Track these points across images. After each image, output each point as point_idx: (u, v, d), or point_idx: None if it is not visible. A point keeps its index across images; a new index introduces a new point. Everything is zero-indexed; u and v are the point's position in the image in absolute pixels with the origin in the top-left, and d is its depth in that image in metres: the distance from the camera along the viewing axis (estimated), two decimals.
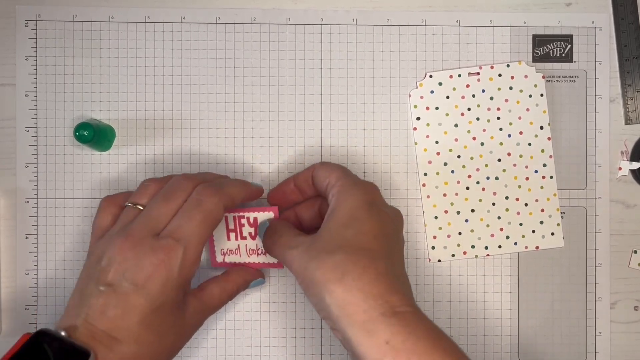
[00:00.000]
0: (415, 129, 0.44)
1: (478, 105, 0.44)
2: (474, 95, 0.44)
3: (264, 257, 0.41)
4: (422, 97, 0.44)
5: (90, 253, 0.37)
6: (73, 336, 0.33)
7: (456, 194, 0.44)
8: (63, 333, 0.33)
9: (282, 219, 0.41)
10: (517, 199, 0.44)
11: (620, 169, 0.45)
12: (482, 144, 0.44)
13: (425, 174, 0.44)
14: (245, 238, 0.41)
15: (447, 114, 0.44)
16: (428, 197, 0.44)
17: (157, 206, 0.37)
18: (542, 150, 0.45)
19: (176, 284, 0.35)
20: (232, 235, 0.41)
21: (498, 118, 0.44)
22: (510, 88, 0.44)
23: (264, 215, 0.40)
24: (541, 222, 0.45)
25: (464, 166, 0.44)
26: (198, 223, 0.36)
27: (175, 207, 0.37)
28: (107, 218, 0.38)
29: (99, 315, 0.34)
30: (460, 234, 0.44)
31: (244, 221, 0.41)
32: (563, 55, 0.45)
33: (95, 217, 0.39)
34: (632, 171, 0.45)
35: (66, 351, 0.33)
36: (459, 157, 0.44)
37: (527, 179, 0.44)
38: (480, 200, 0.44)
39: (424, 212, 0.44)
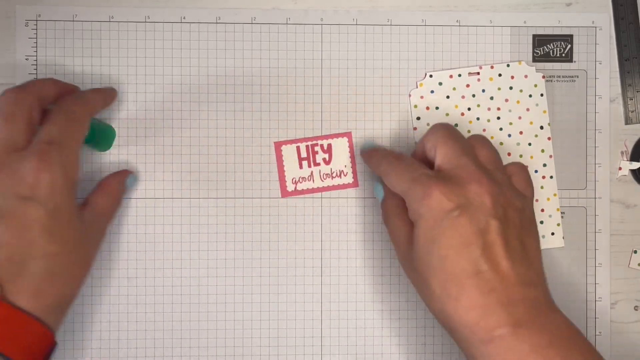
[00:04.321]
0: (415, 129, 0.44)
1: (478, 105, 0.44)
2: (474, 95, 0.44)
3: (338, 179, 0.43)
4: (422, 97, 0.44)
5: None
6: None
7: None
8: None
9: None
10: None
11: (620, 169, 0.45)
12: None
13: None
14: (319, 164, 0.43)
15: (447, 114, 0.44)
16: None
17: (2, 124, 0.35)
18: (542, 150, 0.45)
19: (64, 185, 0.34)
20: (305, 163, 0.43)
21: (498, 118, 0.44)
22: (511, 88, 0.44)
23: (338, 141, 0.43)
24: (541, 222, 0.45)
25: None
26: (66, 124, 0.36)
27: (24, 116, 0.36)
28: None
29: None
30: None
31: (317, 148, 0.43)
32: (563, 55, 0.45)
33: None
34: (632, 171, 0.45)
35: None
36: None
37: None
38: None
39: None
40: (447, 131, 0.39)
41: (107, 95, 0.42)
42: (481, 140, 0.39)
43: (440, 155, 0.38)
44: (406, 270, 0.39)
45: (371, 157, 0.42)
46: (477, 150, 0.38)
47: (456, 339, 0.36)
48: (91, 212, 0.39)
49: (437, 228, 0.35)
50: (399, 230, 0.39)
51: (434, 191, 0.35)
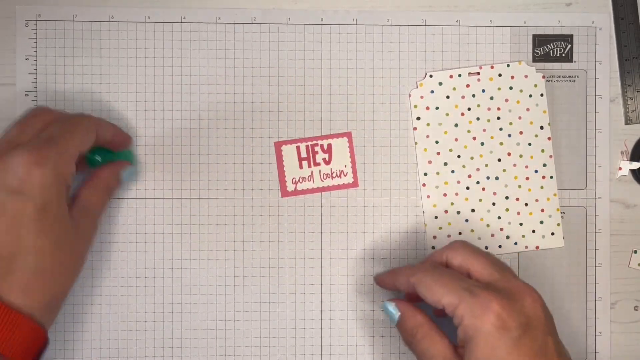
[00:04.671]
0: (415, 129, 0.44)
1: (478, 105, 0.44)
2: (474, 95, 0.44)
3: (338, 179, 0.43)
4: (422, 97, 0.44)
5: None
6: None
7: (456, 194, 0.44)
8: None
9: (419, 314, 0.38)
10: (517, 199, 0.44)
11: (620, 169, 0.45)
12: (482, 143, 0.44)
13: (425, 174, 0.44)
14: (319, 164, 0.43)
15: (447, 114, 0.44)
16: (428, 197, 0.44)
17: (15, 127, 0.36)
18: (542, 150, 0.45)
19: (54, 182, 0.34)
20: (305, 163, 0.43)
21: (498, 118, 0.44)
22: (511, 88, 0.44)
23: (338, 141, 0.43)
24: (541, 222, 0.45)
25: (464, 166, 0.44)
26: (69, 128, 0.36)
27: (37, 124, 0.36)
28: None
29: None
30: (460, 234, 0.44)
31: (317, 148, 0.43)
32: (563, 55, 0.45)
33: None
34: (632, 171, 0.45)
35: None
36: (459, 157, 0.44)
37: (527, 179, 0.44)
38: (480, 200, 0.44)
39: (424, 212, 0.44)
40: (472, 246, 0.38)
41: (120, 134, 0.41)
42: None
43: (478, 268, 0.37)
44: None
45: (396, 272, 0.40)
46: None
47: None
48: (81, 208, 0.38)
49: (498, 348, 0.33)
50: (435, 351, 0.36)
51: (494, 305, 0.34)
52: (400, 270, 0.39)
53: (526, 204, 0.44)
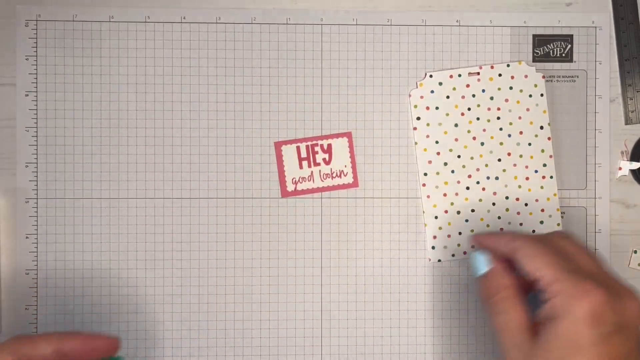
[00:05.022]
0: (415, 129, 0.44)
1: (478, 105, 0.44)
2: (474, 95, 0.44)
3: (338, 179, 0.43)
4: (422, 97, 0.44)
5: None
6: None
7: (456, 194, 0.44)
8: None
9: (507, 277, 0.37)
10: (517, 199, 0.44)
11: (620, 169, 0.45)
12: (482, 144, 0.44)
13: (425, 174, 0.44)
14: (319, 164, 0.43)
15: (447, 114, 0.44)
16: (428, 197, 0.44)
17: None
18: (542, 150, 0.45)
19: None
20: (305, 163, 0.43)
21: (498, 118, 0.44)
22: (511, 88, 0.44)
23: (338, 141, 0.42)
24: (541, 222, 0.45)
25: (464, 166, 0.44)
26: (21, 339, 0.35)
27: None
28: None
29: None
30: (460, 234, 0.44)
31: (317, 148, 0.43)
32: (563, 55, 0.45)
33: None
34: (632, 171, 0.45)
35: None
36: (459, 157, 0.44)
37: (527, 179, 0.44)
38: (480, 200, 0.44)
39: (424, 212, 0.44)
40: (581, 240, 0.37)
41: (91, 343, 0.36)
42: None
43: (586, 258, 0.35)
44: (513, 355, 0.35)
45: (498, 234, 0.39)
46: None
47: None
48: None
49: (583, 337, 0.32)
50: (512, 316, 0.35)
51: (596, 294, 0.32)
52: (504, 233, 0.39)
53: (526, 204, 0.44)
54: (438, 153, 0.44)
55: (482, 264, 0.38)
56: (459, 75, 0.44)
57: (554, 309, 0.33)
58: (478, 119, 0.44)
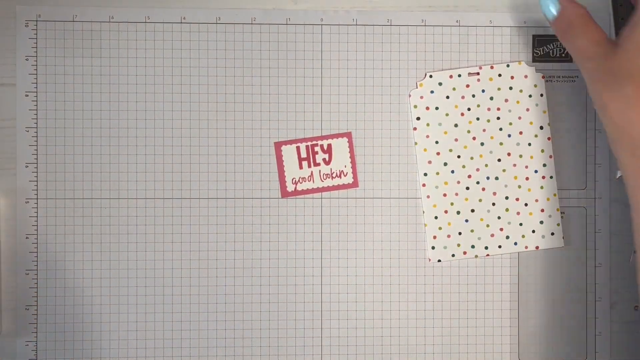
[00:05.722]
0: (415, 129, 0.44)
1: (478, 105, 0.44)
2: (474, 95, 0.44)
3: (338, 179, 0.43)
4: (422, 97, 0.44)
5: None
6: None
7: (456, 194, 0.44)
8: None
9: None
10: (517, 199, 0.44)
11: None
12: (482, 144, 0.44)
13: (425, 174, 0.44)
14: (319, 164, 0.43)
15: (447, 114, 0.44)
16: (428, 197, 0.44)
17: None
18: (542, 150, 0.45)
19: None
20: (305, 163, 0.43)
21: (498, 118, 0.44)
22: (510, 88, 0.44)
23: (338, 142, 0.43)
24: (541, 222, 0.45)
25: (464, 166, 0.44)
26: None
27: None
28: None
29: None
30: (460, 234, 0.44)
31: (317, 148, 0.43)
32: (563, 55, 0.45)
33: None
34: None
35: None
36: (459, 157, 0.44)
37: (527, 179, 0.44)
38: (480, 200, 0.44)
39: (424, 212, 0.44)
40: None
41: None
42: None
43: None
44: (596, 76, 0.36)
45: None
46: None
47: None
48: None
49: None
50: (589, 35, 0.36)
51: None
52: None
53: (526, 204, 0.44)
54: (438, 153, 0.44)
55: (552, 5, 0.40)
56: (459, 76, 0.44)
57: (638, 15, 0.34)
58: (478, 119, 0.44)
